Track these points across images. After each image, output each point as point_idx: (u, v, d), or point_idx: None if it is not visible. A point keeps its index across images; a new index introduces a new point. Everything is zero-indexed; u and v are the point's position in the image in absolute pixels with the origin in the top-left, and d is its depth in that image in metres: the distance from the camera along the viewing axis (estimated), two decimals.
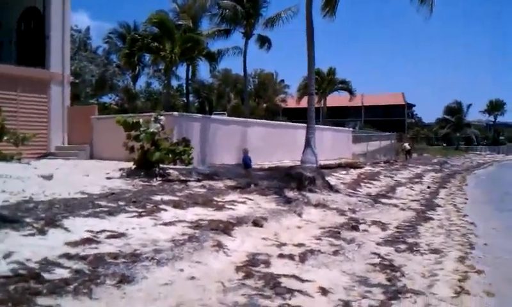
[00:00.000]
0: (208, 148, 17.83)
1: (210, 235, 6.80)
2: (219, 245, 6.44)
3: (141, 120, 13.12)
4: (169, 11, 32.76)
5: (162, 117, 13.38)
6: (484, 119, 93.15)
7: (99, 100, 44.24)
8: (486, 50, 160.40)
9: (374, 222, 9.70)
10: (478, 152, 74.17)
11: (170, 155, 12.96)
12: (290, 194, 11.71)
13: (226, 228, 7.41)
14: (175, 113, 18.06)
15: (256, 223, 8.14)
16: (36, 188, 9.09)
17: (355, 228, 8.91)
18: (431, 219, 11.00)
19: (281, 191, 11.79)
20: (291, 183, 12.52)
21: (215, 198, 10.03)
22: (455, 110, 79.84)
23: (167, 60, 27.09)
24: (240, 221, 8.07)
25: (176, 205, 8.69)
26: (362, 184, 16.84)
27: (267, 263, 5.99)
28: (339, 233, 8.33)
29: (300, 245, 7.16)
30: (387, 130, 48.64)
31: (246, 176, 14.12)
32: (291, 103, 59.04)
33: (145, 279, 4.89)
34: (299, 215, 9.74)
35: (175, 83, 50.65)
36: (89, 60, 39.94)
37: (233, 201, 10.00)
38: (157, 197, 9.26)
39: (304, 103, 23.24)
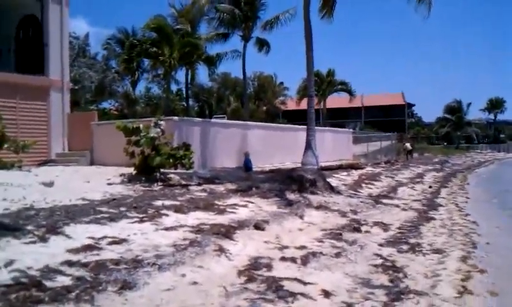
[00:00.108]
0: (208, 152, 17.82)
1: (212, 239, 6.79)
2: (221, 250, 6.43)
3: (141, 125, 13.13)
4: (167, 16, 32.66)
5: (162, 122, 13.39)
6: (484, 117, 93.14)
7: (99, 106, 44.23)
8: (485, 49, 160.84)
9: (376, 223, 9.68)
10: (479, 150, 74.04)
11: (171, 160, 12.96)
12: (291, 196, 11.69)
13: (227, 231, 7.41)
14: (175, 118, 18.04)
15: (258, 226, 8.13)
16: (37, 196, 9.09)
17: (357, 230, 8.88)
18: (433, 218, 10.97)
19: (282, 194, 11.77)
20: (292, 185, 12.50)
21: (216, 202, 10.02)
22: (455, 109, 79.74)
23: (166, 65, 27.08)
24: (241, 225, 8.06)
25: (178, 210, 8.69)
26: (363, 185, 16.83)
27: (269, 267, 5.97)
28: (341, 234, 8.31)
29: (302, 247, 7.15)
30: (387, 130, 48.64)
31: (247, 179, 14.11)
32: (291, 105, 59.04)
33: (147, 285, 4.88)
34: (301, 217, 9.72)
35: (174, 87, 50.67)
36: (88, 66, 39.95)
37: (234, 204, 9.99)
38: (158, 202, 9.25)
39: (304, 105, 23.22)
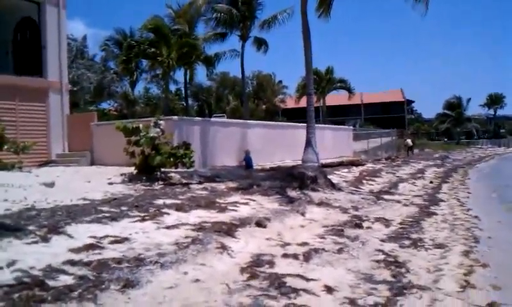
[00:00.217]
0: (208, 151, 17.81)
1: (214, 237, 6.79)
2: (223, 247, 6.43)
3: (140, 125, 13.12)
4: (164, 17, 32.63)
5: (161, 121, 13.39)
6: (484, 113, 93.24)
7: (98, 106, 44.26)
8: (484, 45, 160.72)
9: (378, 219, 9.67)
10: (479, 146, 74.05)
11: (171, 159, 12.97)
12: (292, 193, 11.69)
13: (229, 229, 7.41)
14: (175, 117, 18.03)
15: (260, 224, 8.12)
16: (38, 196, 9.09)
17: (359, 226, 8.87)
18: (435, 213, 10.96)
19: (283, 191, 11.78)
20: (293, 182, 12.51)
21: (217, 200, 10.02)
22: (455, 105, 79.80)
23: (164, 65, 27.05)
24: (243, 222, 8.06)
25: (179, 208, 8.69)
26: (364, 181, 16.82)
27: (271, 264, 5.97)
28: (343, 231, 8.31)
29: (304, 244, 7.14)
30: (387, 127, 48.55)
31: (247, 177, 14.12)
32: (290, 104, 59.05)
33: (150, 283, 4.88)
34: (302, 214, 9.71)
35: (173, 87, 50.70)
36: (86, 68, 39.98)
37: (235, 202, 9.99)
38: (160, 201, 9.25)
39: (303, 103, 23.27)
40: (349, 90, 52.11)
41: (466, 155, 49.16)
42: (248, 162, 17.12)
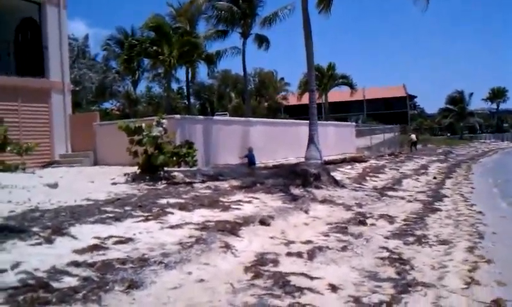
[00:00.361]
0: (211, 149, 17.81)
1: (218, 236, 6.78)
2: (227, 246, 6.42)
3: (143, 125, 13.11)
4: (165, 15, 32.70)
5: (164, 120, 13.37)
6: (487, 107, 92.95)
7: (100, 106, 44.36)
8: (485, 38, 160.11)
9: (381, 216, 9.66)
10: (482, 140, 73.94)
11: (174, 158, 12.97)
12: (296, 191, 11.68)
13: (233, 228, 7.40)
14: (177, 116, 18.03)
15: (263, 222, 8.11)
16: (42, 197, 9.10)
17: (362, 223, 8.86)
18: (439, 209, 10.94)
19: (286, 189, 11.77)
20: (296, 180, 12.49)
21: (221, 199, 10.01)
22: (457, 100, 79.57)
23: (166, 64, 27.08)
24: (247, 221, 8.05)
25: (183, 208, 8.69)
26: (368, 178, 16.81)
27: (275, 262, 5.96)
28: (346, 228, 8.30)
29: (308, 242, 7.13)
30: (390, 122, 48.49)
31: (250, 174, 14.11)
32: (292, 101, 59.02)
33: (154, 284, 4.87)
34: (306, 212, 9.70)
35: (175, 86, 50.79)
36: (88, 67, 40.04)
37: (239, 201, 9.99)
38: (163, 201, 9.25)
39: (305, 99, 23.22)
40: (351, 86, 52.08)
41: (469, 149, 49.08)
42: (250, 159, 17.12)
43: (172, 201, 9.34)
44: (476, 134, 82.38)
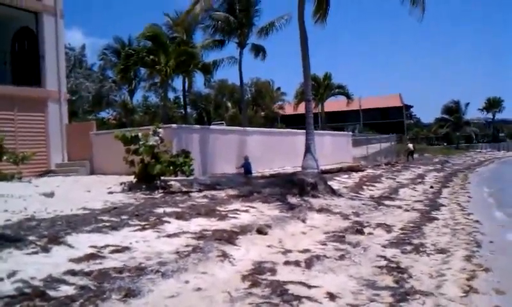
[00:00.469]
0: (208, 159, 17.80)
1: (215, 245, 6.76)
2: (224, 255, 6.40)
3: (139, 134, 13.11)
4: (162, 25, 32.84)
5: (160, 130, 13.37)
6: (483, 117, 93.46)
7: (97, 115, 44.35)
8: (481, 49, 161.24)
9: (379, 225, 9.64)
10: (479, 150, 74.19)
11: (171, 167, 12.94)
12: (293, 200, 11.67)
13: (230, 237, 7.38)
14: (174, 125, 18.02)
15: (261, 231, 8.09)
16: (38, 206, 9.05)
17: (360, 232, 8.85)
18: (436, 218, 10.94)
19: (283, 198, 11.75)
20: (293, 189, 12.49)
21: (218, 208, 9.98)
22: (453, 110, 79.93)
23: (162, 73, 27.12)
24: (244, 230, 8.03)
25: (179, 217, 8.66)
26: (364, 187, 16.81)
27: (273, 271, 5.94)
28: (344, 237, 8.29)
29: (305, 251, 7.12)
30: (386, 132, 48.65)
31: (247, 183, 14.09)
32: (289, 110, 59.17)
33: (151, 292, 4.85)
34: (303, 221, 9.69)
35: (171, 95, 50.82)
36: (85, 77, 40.07)
37: (236, 210, 9.96)
38: (160, 210, 9.22)
39: (302, 109, 23.20)
40: (348, 96, 52.22)
41: (465, 159, 49.19)
42: (246, 168, 17.11)
43: (169, 210, 9.30)
44: (472, 144, 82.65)
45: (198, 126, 24.99)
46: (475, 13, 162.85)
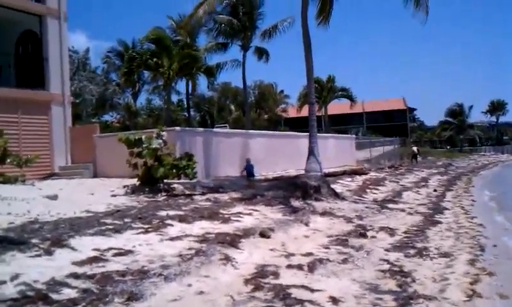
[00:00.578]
0: (211, 161, 17.80)
1: (218, 248, 6.76)
2: (227, 258, 6.39)
3: (143, 137, 13.12)
4: (166, 28, 32.95)
5: (164, 133, 13.39)
6: (487, 119, 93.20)
7: (100, 118, 44.41)
8: (485, 51, 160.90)
9: (382, 228, 9.62)
10: (482, 153, 73.98)
11: (174, 170, 12.96)
12: (296, 203, 11.66)
13: (233, 240, 7.38)
14: (177, 128, 18.04)
15: (263, 234, 8.09)
16: (42, 209, 9.07)
17: (363, 235, 8.82)
18: (439, 222, 10.90)
19: (286, 201, 11.74)
20: (296, 192, 12.47)
21: (221, 211, 9.99)
22: (457, 113, 79.82)
23: (166, 76, 27.17)
24: (247, 233, 8.03)
25: (182, 220, 8.66)
26: (368, 190, 16.78)
27: (276, 275, 5.93)
28: (347, 240, 8.27)
29: (308, 254, 7.10)
30: (389, 135, 48.57)
31: (249, 186, 14.08)
32: (292, 113, 59.15)
33: (153, 296, 4.85)
34: (306, 224, 9.67)
35: (175, 98, 50.97)
36: (88, 80, 40.12)
37: (239, 213, 9.96)
38: (163, 213, 9.23)
39: (305, 112, 23.23)
40: (351, 98, 52.14)
41: (469, 162, 49.08)
42: (249, 171, 17.10)
43: (172, 213, 9.31)
44: (476, 147, 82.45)
45: (201, 129, 24.98)
46: (480, 15, 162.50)
